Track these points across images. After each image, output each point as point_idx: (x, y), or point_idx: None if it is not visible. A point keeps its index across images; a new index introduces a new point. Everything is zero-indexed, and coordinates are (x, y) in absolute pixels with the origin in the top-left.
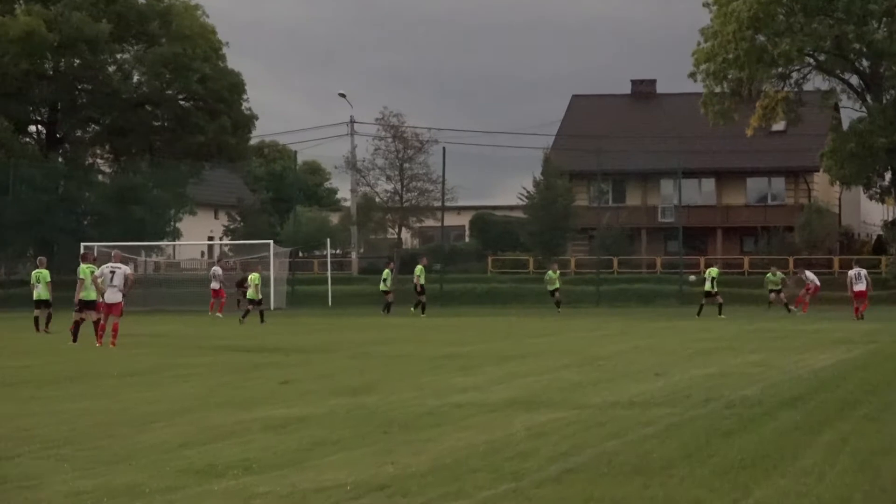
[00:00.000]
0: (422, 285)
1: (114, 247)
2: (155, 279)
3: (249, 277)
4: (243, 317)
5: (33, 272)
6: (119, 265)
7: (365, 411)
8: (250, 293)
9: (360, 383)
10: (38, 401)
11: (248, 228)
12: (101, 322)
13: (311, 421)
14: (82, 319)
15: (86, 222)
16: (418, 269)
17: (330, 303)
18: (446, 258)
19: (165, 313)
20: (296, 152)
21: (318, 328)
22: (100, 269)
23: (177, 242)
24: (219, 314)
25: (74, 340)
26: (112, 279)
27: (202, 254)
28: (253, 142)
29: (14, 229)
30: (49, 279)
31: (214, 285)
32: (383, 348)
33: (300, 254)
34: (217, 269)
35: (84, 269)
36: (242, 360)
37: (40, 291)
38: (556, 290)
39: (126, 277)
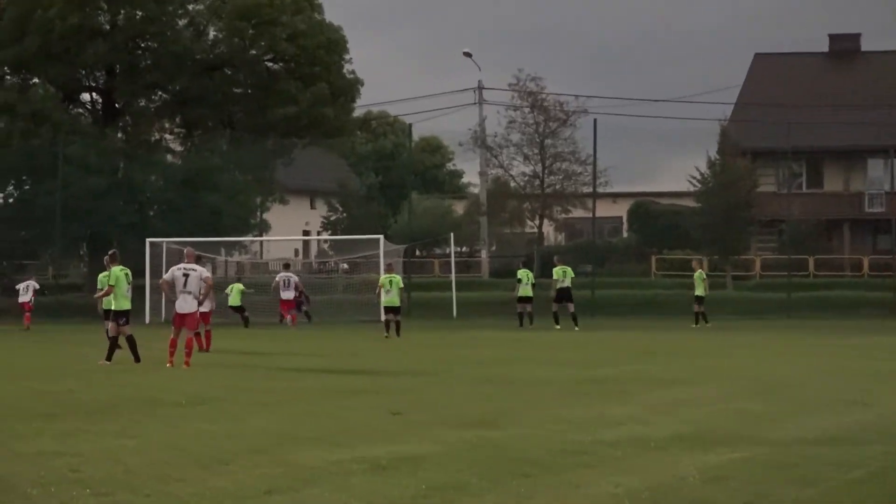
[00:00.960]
0: (566, 289)
1: (185, 243)
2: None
3: (387, 280)
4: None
5: (101, 275)
6: (194, 266)
7: (494, 449)
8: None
9: (488, 413)
10: (86, 435)
11: (353, 221)
12: (173, 337)
13: (427, 461)
14: (119, 334)
15: (151, 213)
16: (558, 270)
17: (455, 313)
18: (599, 258)
19: (250, 326)
20: (410, 126)
21: (436, 344)
22: (169, 271)
23: (265, 238)
24: (290, 325)
25: (109, 359)
26: (185, 283)
27: (296, 252)
28: (356, 113)
29: (63, 221)
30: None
31: (287, 294)
32: (516, 370)
33: (417, 252)
34: (289, 276)
35: (116, 272)
36: (338, 384)
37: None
38: (701, 297)
39: (203, 282)
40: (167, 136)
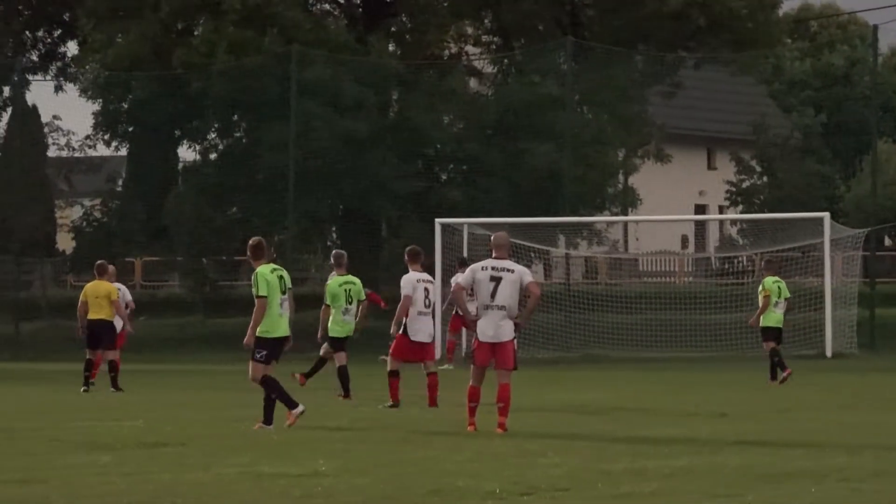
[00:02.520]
0: None
1: (498, 226)
2: (588, 294)
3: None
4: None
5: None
6: (510, 265)
7: None
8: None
9: None
10: None
11: (780, 188)
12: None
13: None
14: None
15: (444, 176)
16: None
17: None
18: None
19: (610, 362)
20: (875, 28)
21: None
22: (468, 270)
23: (632, 217)
24: (448, 365)
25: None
26: (494, 293)
27: (684, 240)
28: (786, 8)
29: (298, 190)
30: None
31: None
32: None
33: (886, 240)
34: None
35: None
36: None
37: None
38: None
39: (528, 289)
40: (469, 48)
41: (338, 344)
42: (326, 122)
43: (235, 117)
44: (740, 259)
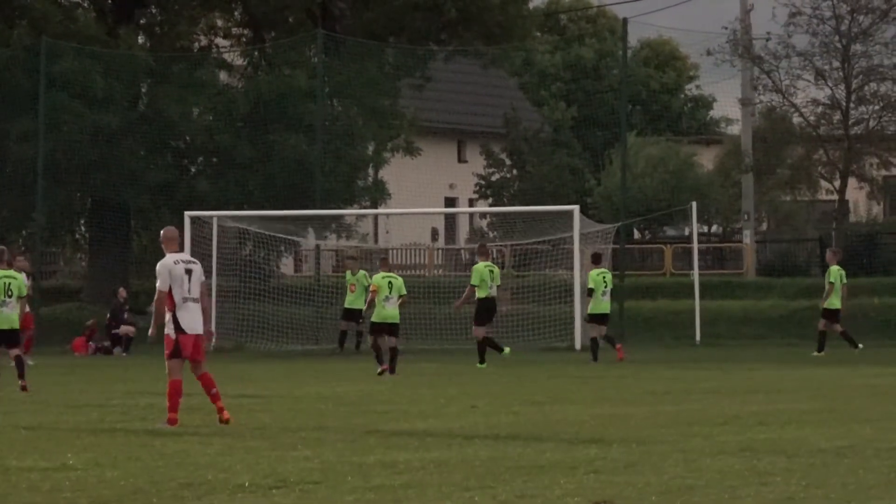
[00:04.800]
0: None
1: (249, 219)
2: (338, 287)
3: (385, 283)
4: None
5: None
6: (192, 258)
7: None
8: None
9: None
10: None
11: (530, 181)
12: (176, 379)
13: None
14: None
15: (192, 168)
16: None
17: (698, 336)
18: None
19: (362, 354)
20: (625, 22)
21: (666, 389)
22: (168, 261)
23: (382, 210)
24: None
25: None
26: (189, 282)
27: (434, 233)
28: (537, 2)
29: (48, 182)
30: None
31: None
32: (805, 433)
33: (635, 234)
34: None
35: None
36: (515, 454)
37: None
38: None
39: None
40: (219, 40)
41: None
42: (76, 115)
43: None
44: (491, 251)
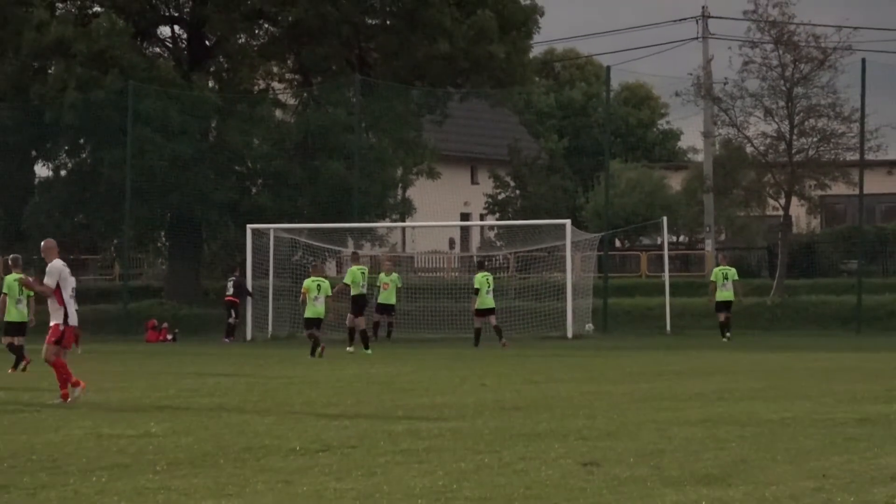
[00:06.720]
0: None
1: (299, 230)
2: (375, 286)
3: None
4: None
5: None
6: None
7: None
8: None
9: (716, 467)
10: (167, 494)
11: (529, 200)
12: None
13: None
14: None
15: (253, 189)
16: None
17: (668, 326)
18: (868, 250)
19: (402, 345)
20: (608, 69)
21: (642, 371)
22: (59, 264)
23: (408, 223)
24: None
25: (16, 368)
26: (70, 284)
27: (451, 242)
28: (535, 53)
29: (134, 201)
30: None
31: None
32: (752, 407)
33: (617, 243)
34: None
35: (10, 280)
36: (512, 425)
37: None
38: (726, 303)
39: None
40: (275, 84)
41: (19, 329)
42: (157, 146)
43: (82, 141)
44: (497, 257)
